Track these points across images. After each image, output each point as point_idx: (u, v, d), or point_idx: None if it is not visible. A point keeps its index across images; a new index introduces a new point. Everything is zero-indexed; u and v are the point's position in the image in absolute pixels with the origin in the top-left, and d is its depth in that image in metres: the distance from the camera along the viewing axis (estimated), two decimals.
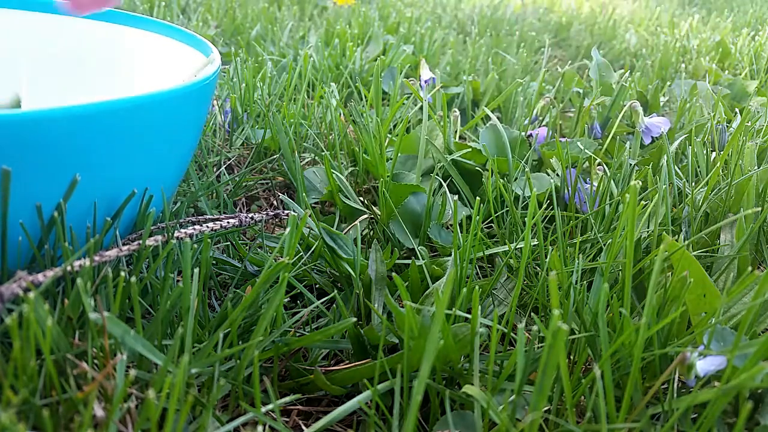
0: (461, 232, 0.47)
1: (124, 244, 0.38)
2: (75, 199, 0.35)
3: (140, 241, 0.37)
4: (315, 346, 0.38)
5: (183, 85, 0.38)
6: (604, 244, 0.47)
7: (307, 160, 0.66)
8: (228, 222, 0.43)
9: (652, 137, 0.69)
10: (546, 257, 0.43)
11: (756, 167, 0.55)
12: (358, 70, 0.96)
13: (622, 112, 0.69)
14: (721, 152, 0.62)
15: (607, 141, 0.67)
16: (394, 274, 0.37)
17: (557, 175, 0.59)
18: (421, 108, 0.79)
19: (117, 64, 0.56)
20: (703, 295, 0.38)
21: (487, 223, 0.55)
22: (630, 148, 0.64)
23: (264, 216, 0.46)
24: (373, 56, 1.08)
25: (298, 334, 0.40)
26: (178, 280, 0.45)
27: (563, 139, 0.67)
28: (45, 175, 0.33)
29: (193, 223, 0.44)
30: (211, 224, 0.42)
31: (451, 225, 0.53)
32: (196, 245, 0.40)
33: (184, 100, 0.39)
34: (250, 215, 0.45)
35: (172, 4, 1.31)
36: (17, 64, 0.57)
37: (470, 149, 0.60)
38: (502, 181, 0.54)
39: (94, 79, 0.56)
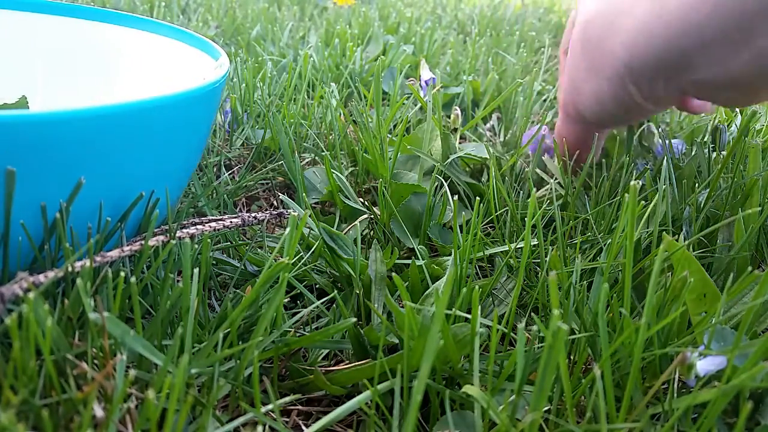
0: (461, 232, 0.47)
1: (126, 245, 0.38)
2: (80, 201, 0.34)
3: (142, 242, 0.37)
4: (315, 346, 0.38)
5: (193, 89, 0.38)
6: (604, 245, 0.47)
7: (307, 160, 0.66)
8: (231, 222, 0.43)
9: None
10: (546, 257, 0.43)
11: (761, 168, 0.55)
12: (358, 70, 0.96)
13: (639, 132, 0.68)
14: (722, 152, 0.62)
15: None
16: (394, 274, 0.37)
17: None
18: (421, 108, 0.79)
19: (121, 66, 0.56)
20: (703, 295, 0.38)
21: (487, 223, 0.55)
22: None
23: (267, 215, 0.46)
24: (373, 56, 1.08)
25: (298, 335, 0.40)
26: (178, 281, 0.45)
27: None
28: (52, 176, 0.33)
29: (196, 224, 0.44)
30: (213, 224, 0.42)
31: (451, 225, 0.53)
32: (196, 245, 0.40)
33: (193, 104, 0.39)
34: (252, 215, 0.45)
35: (172, 5, 1.31)
36: (23, 66, 0.57)
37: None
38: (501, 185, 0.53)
39: (96, 80, 0.57)
